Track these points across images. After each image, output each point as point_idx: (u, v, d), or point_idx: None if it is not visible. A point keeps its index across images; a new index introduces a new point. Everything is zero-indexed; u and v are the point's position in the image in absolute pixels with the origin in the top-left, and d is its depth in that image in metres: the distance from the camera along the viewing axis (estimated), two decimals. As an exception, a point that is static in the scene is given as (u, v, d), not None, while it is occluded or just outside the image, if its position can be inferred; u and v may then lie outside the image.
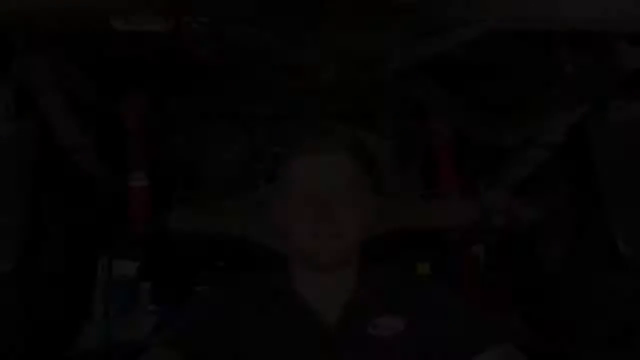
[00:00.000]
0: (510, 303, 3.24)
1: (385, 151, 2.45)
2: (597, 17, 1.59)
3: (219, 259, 4.85)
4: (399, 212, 2.59)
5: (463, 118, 2.31)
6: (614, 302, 2.34)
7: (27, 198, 1.92)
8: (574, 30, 1.68)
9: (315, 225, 1.37)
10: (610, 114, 2.13)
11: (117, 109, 2.29)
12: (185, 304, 1.48)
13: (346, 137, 1.45)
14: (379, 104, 2.68)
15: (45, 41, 1.71)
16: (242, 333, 1.41)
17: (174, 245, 3.43)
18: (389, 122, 2.66)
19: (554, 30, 1.73)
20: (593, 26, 1.64)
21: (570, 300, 2.48)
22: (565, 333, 2.58)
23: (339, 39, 1.61)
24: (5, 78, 1.97)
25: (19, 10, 1.43)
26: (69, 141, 2.07)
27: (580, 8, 1.57)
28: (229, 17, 1.50)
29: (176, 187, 2.51)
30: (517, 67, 2.09)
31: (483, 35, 1.67)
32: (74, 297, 2.68)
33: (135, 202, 2.40)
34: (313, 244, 1.38)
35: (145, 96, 2.30)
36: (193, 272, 3.80)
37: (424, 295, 1.47)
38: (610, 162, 2.09)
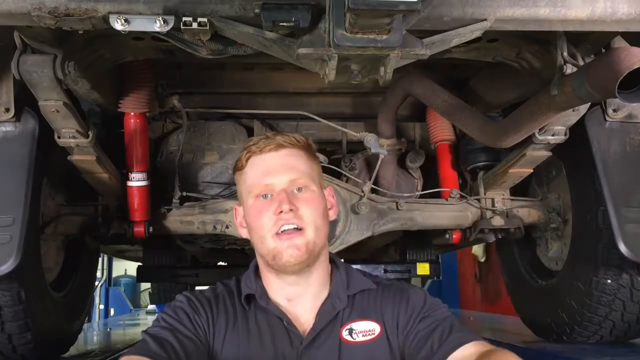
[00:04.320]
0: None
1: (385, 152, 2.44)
2: (598, 17, 1.59)
3: (218, 259, 4.87)
4: (400, 213, 2.60)
5: (463, 118, 2.30)
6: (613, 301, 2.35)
7: (27, 198, 1.92)
8: (574, 30, 1.68)
9: (276, 223, 1.36)
10: (610, 114, 2.14)
11: (118, 109, 2.29)
12: (160, 311, 1.46)
13: (296, 136, 1.45)
14: (379, 104, 2.68)
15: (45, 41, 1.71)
16: (215, 339, 1.39)
17: (173, 245, 3.44)
18: (389, 122, 2.66)
19: (554, 30, 1.73)
20: (593, 26, 1.64)
21: (571, 300, 2.48)
22: (565, 333, 2.58)
23: None
24: (5, 78, 1.96)
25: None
26: (69, 141, 2.07)
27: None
28: (228, 16, 1.50)
29: (175, 187, 2.51)
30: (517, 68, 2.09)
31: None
32: (73, 297, 2.68)
33: (135, 202, 2.40)
34: (276, 243, 1.36)
35: (146, 96, 2.30)
36: (192, 272, 3.80)
37: (400, 298, 1.45)
38: (610, 162, 2.09)
